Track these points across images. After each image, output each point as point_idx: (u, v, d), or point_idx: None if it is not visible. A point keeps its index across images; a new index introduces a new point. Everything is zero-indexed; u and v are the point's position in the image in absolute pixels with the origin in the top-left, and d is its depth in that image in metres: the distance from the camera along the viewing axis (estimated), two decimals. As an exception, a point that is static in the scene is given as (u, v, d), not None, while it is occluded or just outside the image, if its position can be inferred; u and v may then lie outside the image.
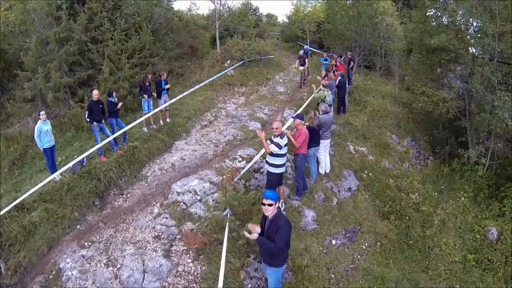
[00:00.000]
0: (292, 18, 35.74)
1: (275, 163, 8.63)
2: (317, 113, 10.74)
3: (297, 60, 20.80)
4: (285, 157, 8.80)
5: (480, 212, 12.98)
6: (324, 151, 11.43)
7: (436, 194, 13.31)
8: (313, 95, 14.56)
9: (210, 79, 17.31)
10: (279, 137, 8.41)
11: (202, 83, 16.22)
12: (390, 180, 12.77)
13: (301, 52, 22.06)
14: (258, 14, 36.74)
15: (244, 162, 10.92)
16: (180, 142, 13.33)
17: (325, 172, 11.69)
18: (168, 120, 14.21)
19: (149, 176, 11.39)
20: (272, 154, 8.49)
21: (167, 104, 13.51)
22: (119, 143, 12.34)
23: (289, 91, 19.16)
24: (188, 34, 26.10)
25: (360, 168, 12.87)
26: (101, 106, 11.58)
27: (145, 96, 13.18)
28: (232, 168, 10.10)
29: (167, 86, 13.72)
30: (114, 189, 10.78)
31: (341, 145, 13.50)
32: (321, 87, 14.07)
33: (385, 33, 24.36)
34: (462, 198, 13.11)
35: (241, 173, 9.74)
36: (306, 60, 21.01)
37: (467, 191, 13.64)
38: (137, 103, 14.70)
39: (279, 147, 8.36)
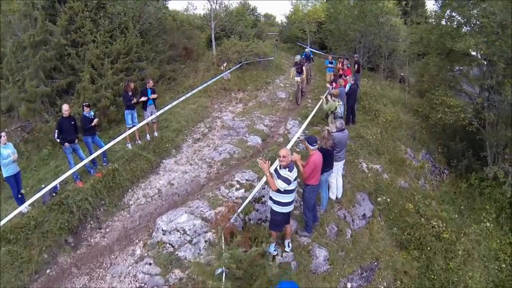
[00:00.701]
0: (292, 17, 33.87)
1: (281, 200, 6.94)
2: (331, 132, 8.96)
3: (293, 68, 16.89)
4: (295, 192, 7.08)
5: (504, 236, 12.08)
6: (336, 174, 9.75)
7: (456, 216, 12.05)
8: (318, 104, 12.89)
9: (205, 85, 15.52)
10: (287, 168, 6.65)
11: (196, 89, 14.43)
12: (408, 203, 11.40)
13: (297, 57, 17.04)
14: (256, 14, 34.83)
15: (243, 190, 9.19)
16: (169, 161, 11.56)
17: (337, 198, 10.10)
18: (155, 134, 12.43)
19: (131, 204, 9.73)
20: (278, 191, 6.74)
21: (153, 116, 11.65)
22: (98, 164, 10.59)
23: (291, 97, 17.33)
24: (182, 34, 24.21)
25: (374, 189, 11.54)
26: (73, 123, 9.79)
27: (135, 106, 11.70)
28: (228, 203, 8.36)
29: (154, 96, 11.88)
30: (91, 222, 9.23)
31: (353, 163, 11.84)
32: (329, 97, 12.30)
33: (390, 33, 22.86)
34: (487, 223, 12.06)
35: (239, 209, 7.97)
36: (304, 67, 16.97)
37: (488, 212, 12.61)
38: (121, 114, 12.89)
39: (288, 182, 6.63)
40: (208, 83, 15.92)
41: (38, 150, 12.60)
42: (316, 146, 7.75)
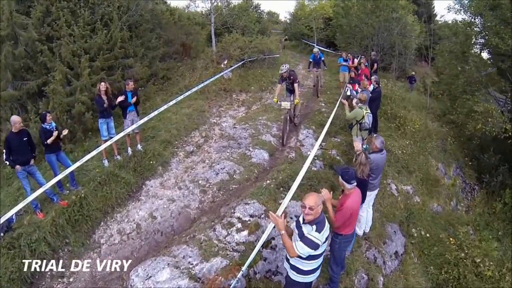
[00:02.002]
0: (298, 13, 31.41)
1: (303, 268, 4.57)
2: (367, 155, 6.54)
3: (278, 85, 12.71)
4: (322, 257, 4.63)
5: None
6: (367, 206, 7.47)
7: (496, 245, 9.85)
8: (334, 110, 10.52)
9: (202, 85, 13.08)
10: (314, 226, 4.24)
11: (190, 91, 12.02)
12: (443, 232, 9.47)
13: (284, 67, 10.90)
14: (259, 11, 32.48)
15: (246, 233, 6.73)
16: (153, 183, 9.14)
17: (364, 232, 7.80)
18: (139, 147, 9.99)
19: (103, 244, 7.39)
20: (300, 256, 4.36)
21: (134, 126, 9.19)
22: (65, 188, 8.22)
23: (302, 100, 14.80)
24: (180, 30, 21.80)
25: (406, 217, 9.28)
26: (26, 139, 7.33)
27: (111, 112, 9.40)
28: (226, 252, 5.99)
29: (134, 100, 9.45)
30: (52, 268, 6.71)
31: (381, 185, 9.35)
32: (352, 101, 9.85)
33: (405, 30, 20.52)
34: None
35: (243, 268, 5.51)
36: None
37: (529, 238, 10.54)
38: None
39: (315, 247, 4.24)
40: (206, 83, 13.47)
41: (3, 167, 10.22)
42: (355, 184, 5.34)
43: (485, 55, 14.44)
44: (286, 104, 10.47)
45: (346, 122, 10.96)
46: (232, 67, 16.24)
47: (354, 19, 20.18)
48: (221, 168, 9.41)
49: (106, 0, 13.64)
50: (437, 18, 32.52)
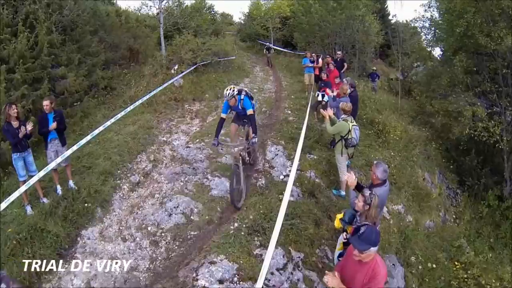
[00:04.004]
0: (253, 13, 29.16)
1: None
2: (372, 192, 4.41)
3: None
4: None
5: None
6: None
7: (490, 255, 9.39)
8: (305, 120, 8.39)
9: (148, 96, 10.60)
10: None
11: (134, 104, 9.53)
12: (439, 252, 8.43)
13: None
14: (213, 12, 30.04)
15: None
16: (91, 232, 6.66)
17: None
18: (70, 183, 7.45)
19: None
20: None
21: (59, 160, 6.62)
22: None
23: (264, 108, 12.60)
24: (127, 33, 18.98)
25: (401, 243, 7.90)
26: None
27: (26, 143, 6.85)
28: None
29: (53, 126, 6.90)
30: None
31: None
32: (329, 111, 7.63)
33: (368, 28, 18.92)
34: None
35: None
36: None
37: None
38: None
39: None
40: (153, 93, 10.98)
41: None
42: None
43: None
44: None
45: (327, 136, 8.93)
46: (183, 73, 13.71)
47: (315, 17, 18.22)
48: (175, 207, 7.04)
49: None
50: (390, 17, 32.01)
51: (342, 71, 13.30)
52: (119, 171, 8.49)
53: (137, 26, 21.97)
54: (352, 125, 7.06)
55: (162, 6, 17.19)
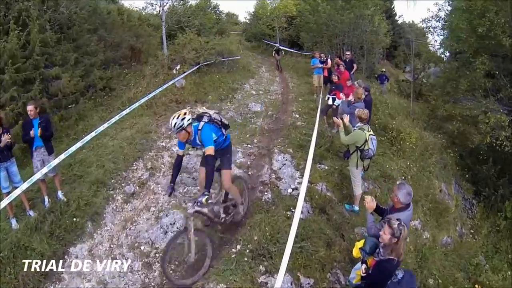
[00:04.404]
0: (259, 12, 28.38)
1: None
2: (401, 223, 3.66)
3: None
4: None
5: None
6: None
7: (509, 272, 8.90)
8: (316, 126, 7.63)
9: (147, 97, 9.95)
10: None
11: (132, 106, 8.87)
12: (457, 272, 7.77)
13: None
14: (218, 11, 29.32)
15: None
16: (79, 249, 5.99)
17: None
18: (59, 195, 6.78)
19: None
20: None
21: (45, 170, 6.00)
22: None
23: (270, 111, 11.80)
24: (129, 31, 18.37)
25: (419, 263, 7.09)
26: None
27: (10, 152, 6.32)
28: None
29: (39, 132, 6.21)
30: None
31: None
32: (345, 118, 6.86)
33: (377, 28, 18.14)
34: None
35: None
36: None
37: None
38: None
39: None
40: (152, 94, 10.34)
41: None
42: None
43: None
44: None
45: (340, 147, 8.19)
46: (185, 73, 12.97)
47: (323, 16, 17.42)
48: (171, 224, 6.34)
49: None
50: (396, 17, 31.57)
51: (352, 72, 12.51)
52: (112, 180, 7.79)
53: (139, 25, 21.38)
54: (369, 135, 6.31)
55: (165, 4, 16.46)
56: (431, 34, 19.93)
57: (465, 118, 11.43)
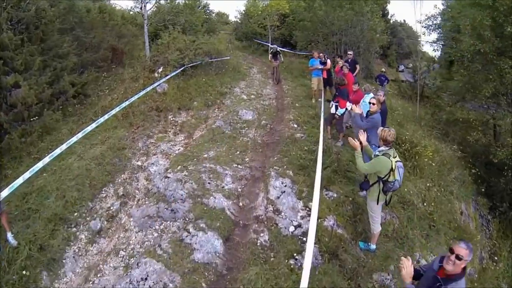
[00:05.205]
0: (250, 10, 26.80)
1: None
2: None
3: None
4: None
5: None
6: None
7: None
8: (320, 145, 6.22)
9: (120, 107, 8.40)
10: None
11: (95, 123, 7.39)
12: None
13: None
14: (208, 11, 27.72)
15: None
16: None
17: None
18: (9, 237, 5.35)
19: None
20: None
21: None
22: None
23: (264, 120, 10.23)
24: (111, 31, 16.91)
25: None
26: None
27: None
28: None
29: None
30: None
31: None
32: (361, 136, 5.39)
33: (376, 25, 16.82)
34: None
35: None
36: None
37: None
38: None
39: None
40: (127, 103, 8.80)
41: None
42: None
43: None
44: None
45: (348, 164, 6.76)
46: (168, 76, 11.42)
47: (319, 13, 15.94)
48: (142, 279, 4.86)
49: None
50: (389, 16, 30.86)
51: (354, 74, 11.04)
52: (75, 214, 6.33)
53: (122, 24, 19.93)
54: (396, 162, 4.91)
55: (147, 1, 14.78)
56: (434, 32, 18.79)
57: (486, 127, 10.07)
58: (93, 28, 15.57)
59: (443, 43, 17.11)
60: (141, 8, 14.71)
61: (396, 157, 4.90)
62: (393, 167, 4.77)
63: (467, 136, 10.92)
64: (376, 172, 4.91)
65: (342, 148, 8.20)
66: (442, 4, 19.58)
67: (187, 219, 5.85)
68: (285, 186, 6.56)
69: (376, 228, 5.40)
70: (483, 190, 10.23)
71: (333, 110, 8.42)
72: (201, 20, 21.93)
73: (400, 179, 4.90)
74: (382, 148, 4.98)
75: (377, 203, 5.04)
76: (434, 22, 17.07)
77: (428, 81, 17.10)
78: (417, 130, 10.30)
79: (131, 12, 19.46)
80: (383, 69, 18.04)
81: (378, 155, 4.96)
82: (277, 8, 24.29)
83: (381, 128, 5.14)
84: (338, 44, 16.38)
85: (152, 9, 16.13)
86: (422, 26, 18.58)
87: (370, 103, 6.34)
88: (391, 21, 32.38)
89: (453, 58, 12.49)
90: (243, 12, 29.00)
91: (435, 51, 21.93)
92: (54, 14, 11.67)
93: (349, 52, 12.18)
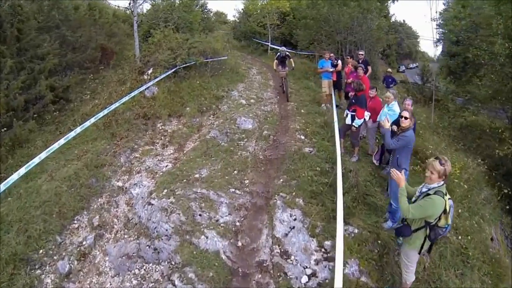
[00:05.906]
0: (249, 8, 25.62)
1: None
2: None
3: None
4: None
5: None
6: None
7: None
8: (338, 164, 5.15)
9: (101, 114, 7.29)
10: None
11: (67, 135, 6.26)
12: None
13: None
14: (206, 10, 26.49)
15: None
16: None
17: None
18: None
19: None
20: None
21: None
22: None
23: (266, 129, 8.95)
24: (100, 30, 15.81)
25: None
26: None
27: None
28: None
29: None
30: None
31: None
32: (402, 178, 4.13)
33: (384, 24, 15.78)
34: None
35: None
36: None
37: None
38: None
39: None
40: (108, 110, 7.65)
41: None
42: None
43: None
44: None
45: (366, 185, 5.58)
46: (157, 78, 10.20)
47: (323, 10, 14.76)
48: None
49: None
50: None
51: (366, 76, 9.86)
52: (41, 252, 5.17)
53: (114, 22, 18.77)
54: (448, 199, 3.75)
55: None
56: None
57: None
58: (81, 26, 14.42)
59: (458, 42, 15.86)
60: (129, 4, 13.42)
61: (447, 193, 3.72)
62: (447, 209, 3.59)
63: (482, 144, 9.83)
64: (426, 217, 3.72)
65: (357, 162, 7.02)
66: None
67: (172, 263, 4.67)
68: (295, 219, 5.29)
69: (410, 278, 4.22)
70: (507, 207, 9.10)
71: (348, 121, 7.20)
72: (198, 18, 20.82)
73: (449, 226, 3.73)
74: (435, 185, 3.75)
75: (419, 253, 3.87)
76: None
77: (438, 83, 15.93)
78: (439, 143, 9.09)
79: (122, 9, 18.34)
80: (390, 70, 16.85)
81: (429, 194, 3.73)
82: (277, 6, 23.17)
83: (433, 158, 3.88)
84: (344, 43, 15.22)
85: (143, 5, 14.95)
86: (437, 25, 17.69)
87: (402, 116, 5.10)
88: (391, 21, 31.69)
89: (481, 60, 11.14)
90: (242, 10, 27.98)
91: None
92: (33, 10, 10.52)
93: (360, 52, 10.94)
